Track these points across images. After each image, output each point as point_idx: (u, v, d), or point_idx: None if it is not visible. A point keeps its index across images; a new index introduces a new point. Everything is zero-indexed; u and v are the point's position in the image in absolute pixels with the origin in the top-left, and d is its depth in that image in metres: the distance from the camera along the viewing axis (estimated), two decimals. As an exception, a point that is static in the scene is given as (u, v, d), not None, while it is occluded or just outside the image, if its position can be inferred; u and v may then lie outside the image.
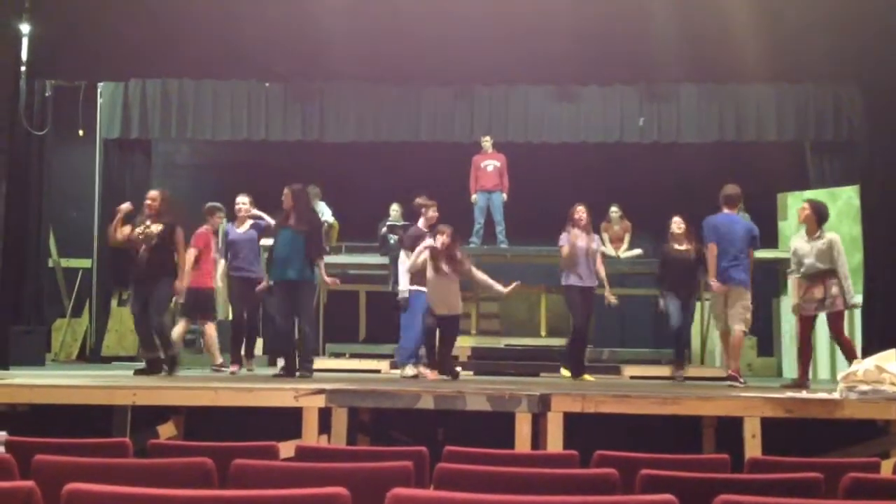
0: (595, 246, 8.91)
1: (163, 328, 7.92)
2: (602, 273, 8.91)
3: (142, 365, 8.19)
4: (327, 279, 8.48)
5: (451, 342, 8.45)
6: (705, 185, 12.10)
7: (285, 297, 7.88)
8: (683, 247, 9.08)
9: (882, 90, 10.20)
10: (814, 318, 8.00)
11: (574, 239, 8.70)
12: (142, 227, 7.77)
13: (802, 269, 7.93)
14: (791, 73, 10.87)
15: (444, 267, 8.11)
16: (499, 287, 8.55)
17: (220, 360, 9.18)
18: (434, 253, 8.13)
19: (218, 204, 9.39)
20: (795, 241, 8.20)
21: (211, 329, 9.11)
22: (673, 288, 8.95)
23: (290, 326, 8.07)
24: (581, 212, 8.85)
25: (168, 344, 7.90)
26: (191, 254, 8.57)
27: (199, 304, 8.86)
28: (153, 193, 8.03)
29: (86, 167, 12.22)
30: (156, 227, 7.76)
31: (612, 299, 8.96)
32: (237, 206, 8.99)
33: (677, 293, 8.92)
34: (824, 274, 7.80)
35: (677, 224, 9.19)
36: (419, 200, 8.53)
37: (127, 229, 7.89)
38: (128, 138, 12.33)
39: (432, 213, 8.44)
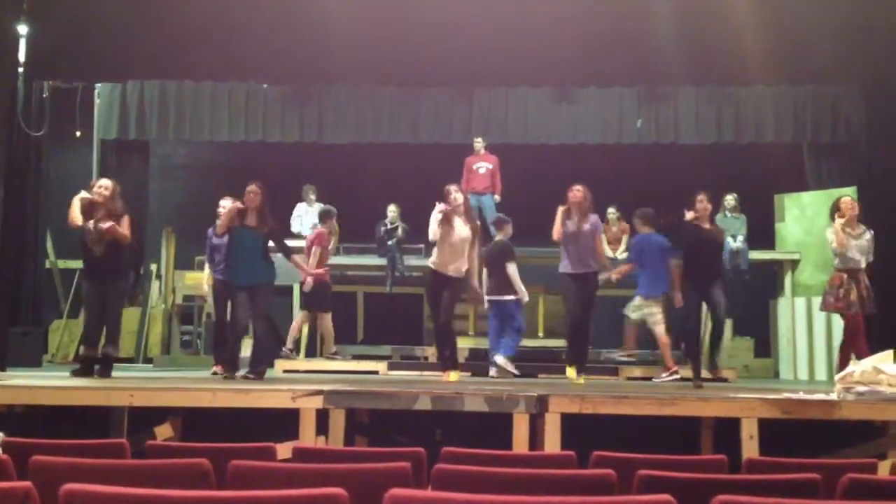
0: (588, 227, 8.21)
1: (118, 325, 7.84)
2: (603, 259, 8.44)
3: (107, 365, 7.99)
4: (307, 270, 8.56)
5: (453, 304, 8.24)
6: (704, 187, 12.14)
7: (246, 299, 7.69)
8: (712, 227, 8.11)
9: (881, 91, 10.23)
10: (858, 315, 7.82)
11: (562, 217, 8.19)
12: (92, 223, 7.49)
13: (849, 265, 7.81)
14: (789, 75, 10.89)
15: (457, 231, 7.93)
16: (476, 285, 8.37)
17: (333, 348, 10.16)
18: (447, 214, 7.96)
19: (332, 209, 10.42)
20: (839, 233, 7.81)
21: (327, 320, 9.99)
22: (699, 278, 7.88)
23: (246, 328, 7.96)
24: (576, 190, 8.21)
25: (116, 342, 7.79)
26: (315, 252, 9.52)
27: (317, 297, 9.60)
28: (107, 183, 7.67)
29: (83, 168, 12.19)
30: (107, 224, 7.47)
31: (611, 276, 8.69)
32: (220, 210, 8.81)
33: (702, 284, 7.87)
34: (862, 271, 7.82)
35: (703, 203, 8.09)
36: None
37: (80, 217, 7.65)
38: (125, 139, 12.32)
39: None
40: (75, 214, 7.55)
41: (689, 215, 8.09)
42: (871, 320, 8.59)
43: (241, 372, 7.79)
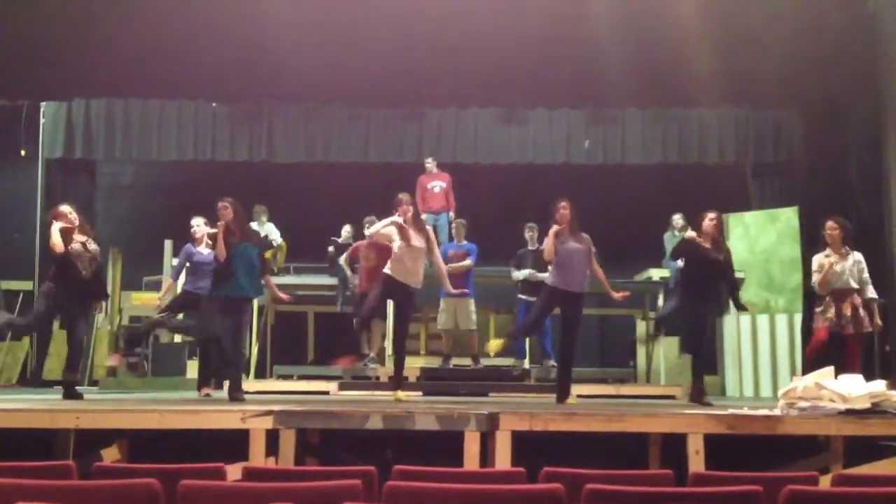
0: (582, 247, 7.74)
1: (80, 350, 7.93)
2: (600, 274, 7.94)
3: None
4: (282, 295, 8.47)
5: (409, 318, 8.13)
6: (650, 206, 12.36)
7: (233, 312, 7.55)
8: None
9: (820, 113, 10.53)
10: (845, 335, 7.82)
11: (553, 238, 7.70)
12: (80, 246, 7.53)
13: (836, 286, 7.79)
14: (732, 98, 11.16)
15: (415, 239, 7.71)
16: (448, 284, 8.28)
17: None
18: (402, 227, 7.73)
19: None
20: (822, 260, 7.90)
21: None
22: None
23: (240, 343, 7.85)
24: (563, 207, 7.75)
25: (77, 367, 7.88)
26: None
27: None
28: (70, 209, 7.69)
29: (28, 188, 12.03)
30: (94, 246, 7.64)
31: (619, 295, 8.07)
32: (193, 229, 8.76)
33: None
34: (854, 292, 7.81)
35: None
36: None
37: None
38: (71, 158, 12.18)
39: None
40: (57, 241, 7.46)
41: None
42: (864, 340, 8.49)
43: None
